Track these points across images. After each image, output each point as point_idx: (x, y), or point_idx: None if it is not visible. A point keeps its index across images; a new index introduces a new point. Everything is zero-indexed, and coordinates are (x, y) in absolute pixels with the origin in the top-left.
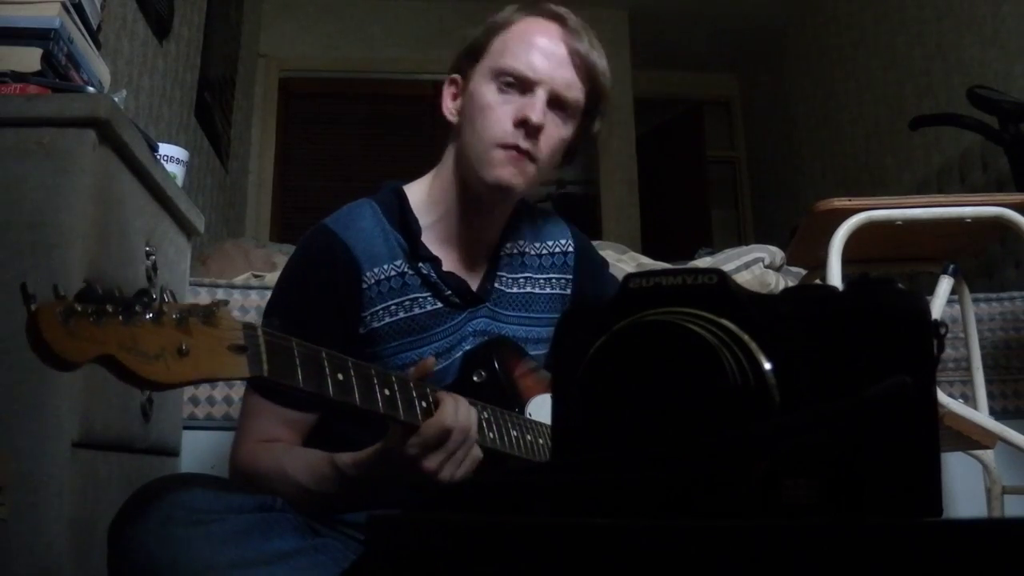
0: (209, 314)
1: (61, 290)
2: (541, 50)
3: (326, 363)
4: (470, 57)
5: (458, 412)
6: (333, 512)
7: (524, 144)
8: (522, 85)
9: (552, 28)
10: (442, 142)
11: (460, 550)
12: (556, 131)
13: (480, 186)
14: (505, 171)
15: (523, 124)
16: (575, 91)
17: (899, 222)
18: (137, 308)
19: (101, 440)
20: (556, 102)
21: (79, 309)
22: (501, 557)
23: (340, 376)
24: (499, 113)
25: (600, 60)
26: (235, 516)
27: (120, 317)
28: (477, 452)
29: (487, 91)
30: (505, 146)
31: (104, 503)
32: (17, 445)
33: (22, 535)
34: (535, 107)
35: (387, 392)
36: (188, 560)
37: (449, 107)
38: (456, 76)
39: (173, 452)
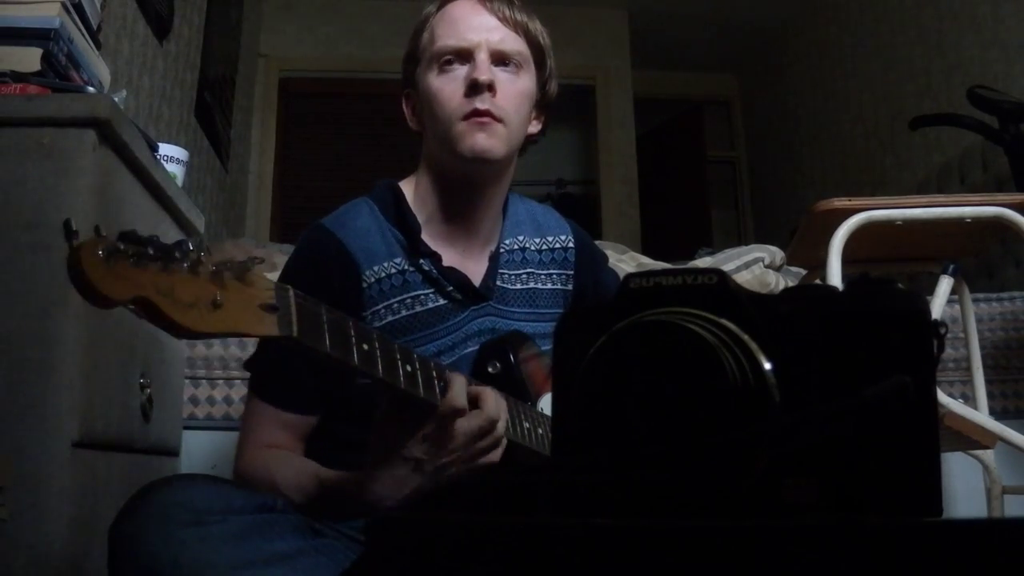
0: (243, 271)
1: (103, 230)
2: (465, 21)
3: (352, 332)
4: (410, 64)
5: (499, 404)
6: (329, 519)
7: (482, 105)
8: (461, 57)
9: (469, 3)
10: (417, 149)
11: (460, 550)
12: (511, 85)
13: (460, 165)
14: (475, 139)
15: (474, 88)
16: (513, 42)
17: (899, 222)
18: (176, 255)
19: (101, 440)
20: (499, 59)
21: (121, 248)
22: (501, 557)
23: (365, 346)
24: (448, 91)
25: (530, 20)
26: (236, 517)
27: (159, 262)
28: (497, 454)
29: (431, 80)
30: (465, 116)
31: (104, 503)
32: (17, 445)
33: (22, 535)
34: (479, 68)
35: (408, 368)
36: (189, 560)
37: (411, 118)
38: (408, 90)
39: (173, 452)
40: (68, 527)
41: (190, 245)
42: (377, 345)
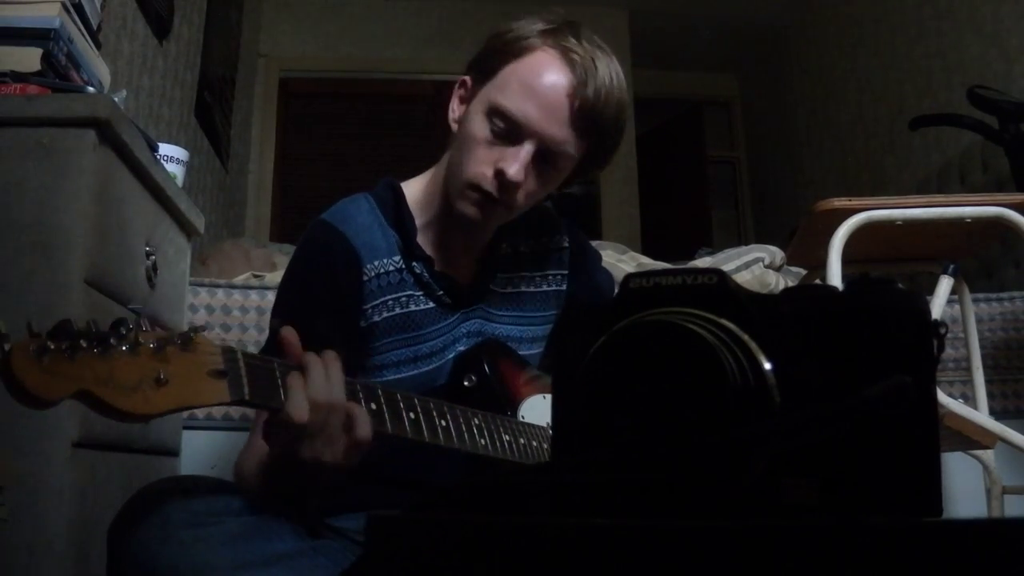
0: (187, 340)
1: (35, 327)
2: (541, 99)
3: None
4: (481, 72)
5: (305, 401)
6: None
7: (497, 195)
8: (512, 131)
9: (561, 75)
10: (442, 142)
11: (460, 550)
12: (539, 187)
13: (452, 209)
14: (472, 210)
15: (501, 175)
16: (568, 147)
17: (899, 222)
18: (112, 340)
19: (101, 440)
20: (545, 156)
21: (52, 347)
22: (501, 557)
23: None
24: (482, 154)
25: (608, 106)
26: (234, 518)
27: (95, 350)
28: (358, 415)
29: (479, 126)
30: (478, 189)
31: (104, 503)
32: (17, 445)
33: (22, 535)
34: (517, 161)
35: (373, 407)
36: (188, 562)
37: (454, 113)
38: (467, 80)
39: (173, 452)
40: (68, 527)
41: (129, 324)
42: None
